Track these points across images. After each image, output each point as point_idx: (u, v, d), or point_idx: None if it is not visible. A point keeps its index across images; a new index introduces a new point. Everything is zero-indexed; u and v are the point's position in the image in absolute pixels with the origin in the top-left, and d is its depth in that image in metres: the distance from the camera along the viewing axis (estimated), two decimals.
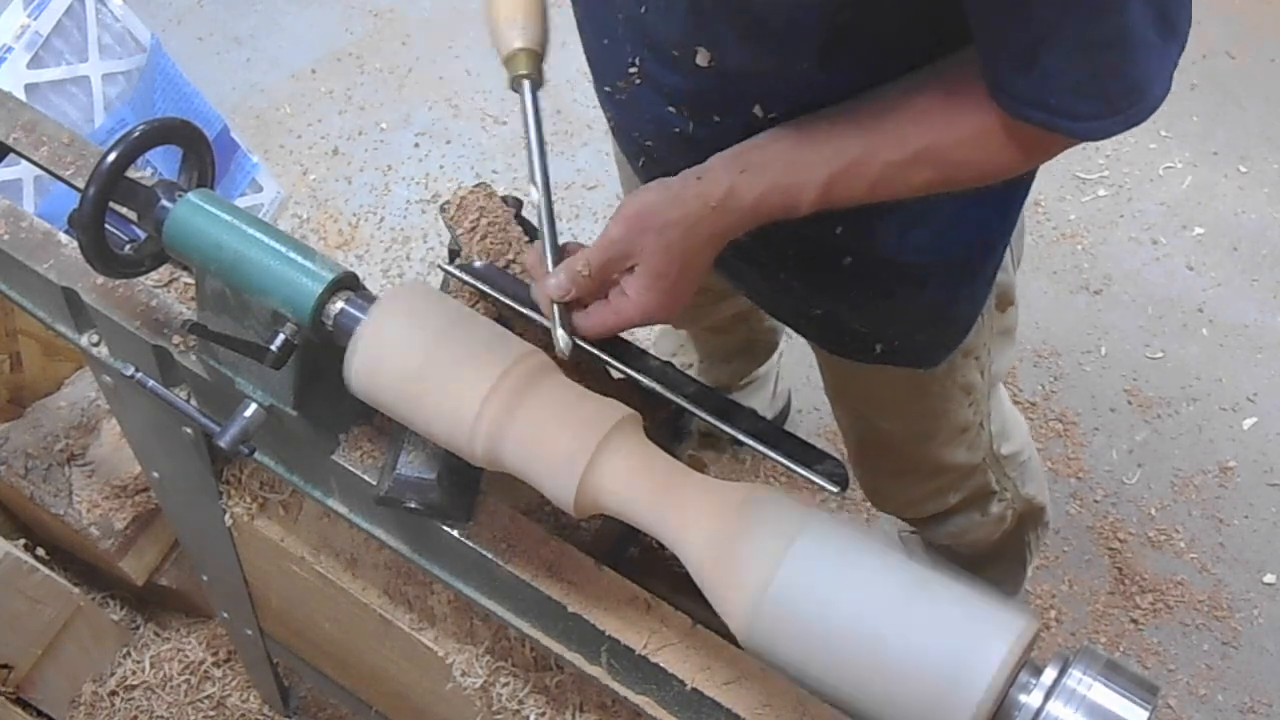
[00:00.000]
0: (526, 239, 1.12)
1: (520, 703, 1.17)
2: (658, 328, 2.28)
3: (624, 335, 1.08)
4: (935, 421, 1.46)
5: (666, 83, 1.06)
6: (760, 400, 2.17)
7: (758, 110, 1.02)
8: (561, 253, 1.04)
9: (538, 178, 1.05)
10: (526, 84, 1.09)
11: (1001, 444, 1.58)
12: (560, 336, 1.00)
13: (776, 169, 0.98)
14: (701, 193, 0.98)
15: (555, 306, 1.01)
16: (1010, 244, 1.27)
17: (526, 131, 1.07)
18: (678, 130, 1.09)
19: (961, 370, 1.38)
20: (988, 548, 1.76)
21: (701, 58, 1.01)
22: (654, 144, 1.15)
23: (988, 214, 1.17)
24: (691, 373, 2.08)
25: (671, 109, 1.08)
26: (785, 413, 2.30)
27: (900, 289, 1.21)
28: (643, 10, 1.02)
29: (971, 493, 1.62)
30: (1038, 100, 0.89)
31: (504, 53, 1.11)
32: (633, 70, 1.08)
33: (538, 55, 1.11)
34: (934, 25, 0.95)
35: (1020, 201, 1.21)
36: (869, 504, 2.22)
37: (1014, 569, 1.92)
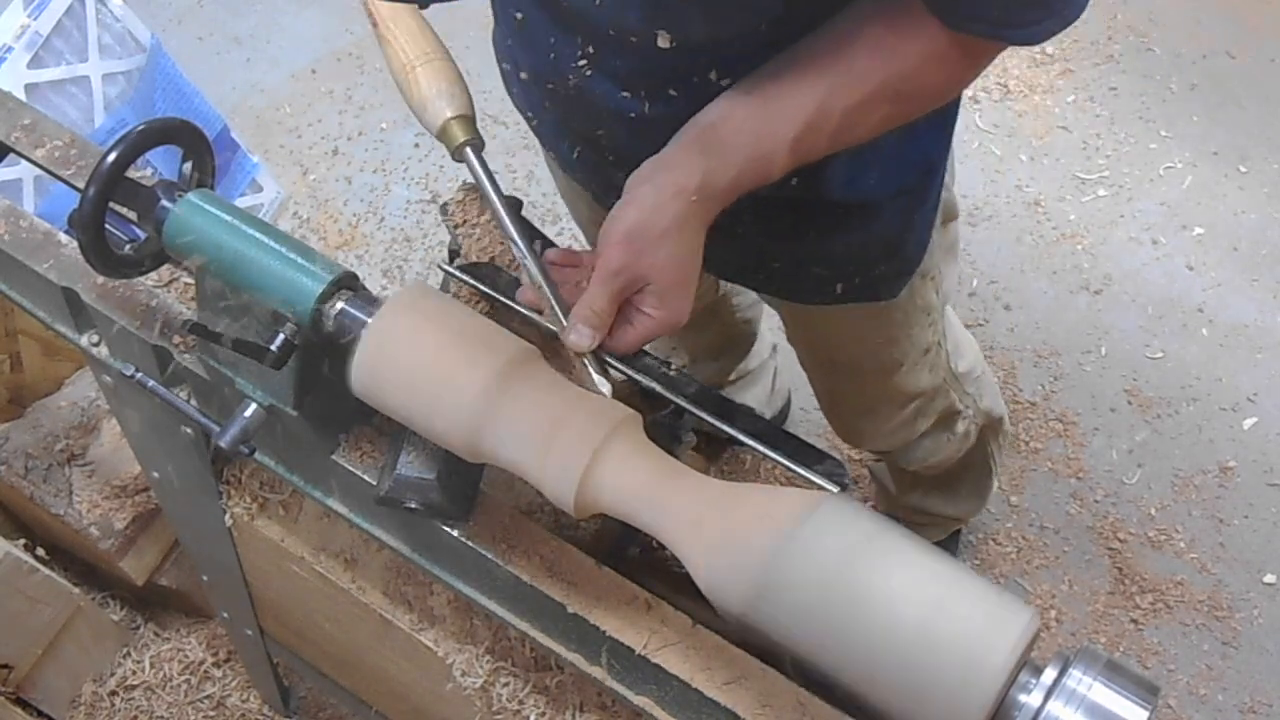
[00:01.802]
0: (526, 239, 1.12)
1: (520, 703, 1.18)
2: None
3: None
4: (901, 348, 1.48)
5: (621, 68, 1.06)
6: (756, 396, 2.17)
7: (713, 75, 1.03)
8: (545, 263, 1.03)
9: (514, 234, 1.04)
10: (469, 150, 1.07)
11: (957, 361, 1.62)
12: (601, 383, 0.97)
13: (743, 145, 0.98)
14: (679, 190, 0.97)
15: (587, 357, 0.99)
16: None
17: (484, 195, 1.05)
18: (633, 115, 1.09)
19: (920, 293, 1.41)
20: (955, 465, 1.81)
21: (663, 40, 1.00)
22: (604, 132, 1.15)
23: (929, 138, 1.19)
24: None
25: (625, 94, 1.08)
26: (785, 412, 2.30)
27: (856, 226, 1.22)
28: (596, 3, 1.01)
29: (939, 415, 1.66)
30: (977, 13, 0.92)
31: (437, 126, 1.08)
32: (582, 62, 1.07)
33: (468, 118, 1.08)
34: None
35: (954, 118, 1.23)
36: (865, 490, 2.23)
37: (982, 481, 1.97)
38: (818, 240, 1.24)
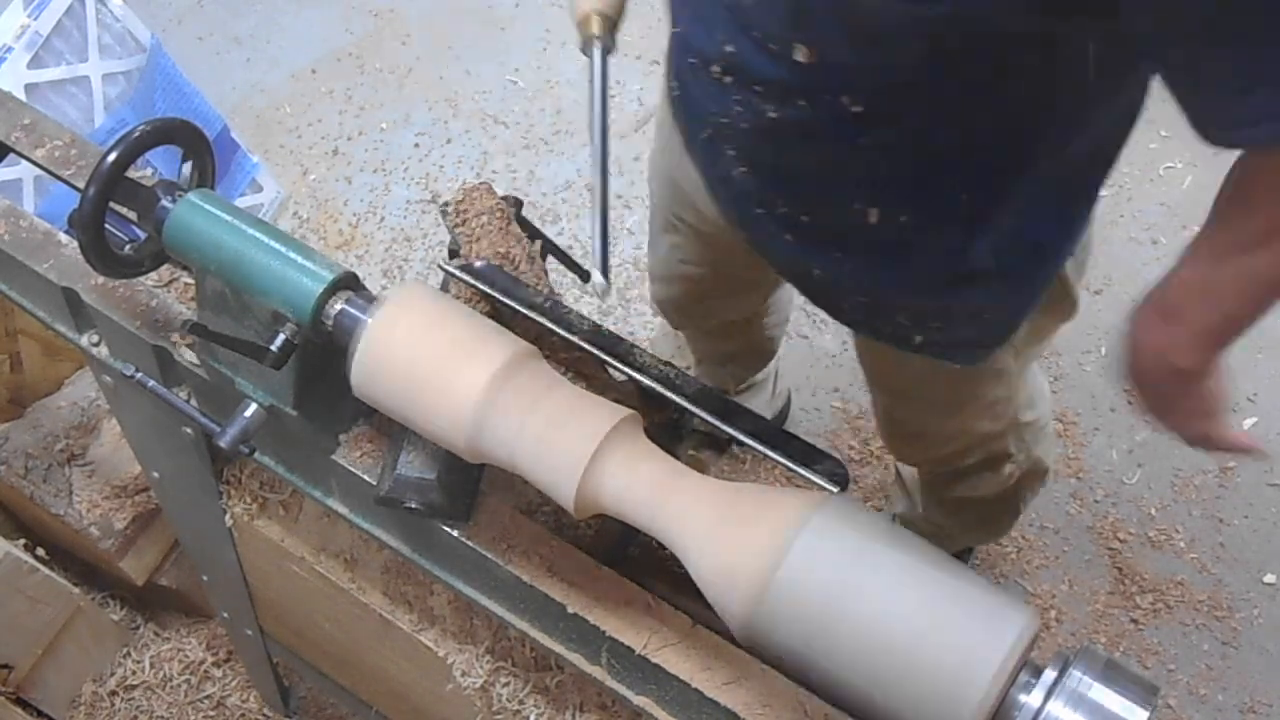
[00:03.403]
0: (527, 238, 1.12)
1: (520, 703, 1.18)
2: (655, 330, 2.28)
3: (623, 335, 1.08)
4: (963, 398, 1.48)
5: (757, 72, 1.06)
6: (759, 401, 2.17)
7: (845, 100, 1.02)
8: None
9: (596, 140, 1.05)
10: (597, 46, 1.08)
11: (1025, 411, 1.61)
12: (597, 278, 0.99)
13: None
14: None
15: (597, 241, 1.00)
16: (1074, 254, 1.28)
17: (591, 95, 1.07)
18: (760, 110, 1.09)
19: (997, 358, 1.39)
20: (985, 499, 1.80)
21: (800, 54, 1.00)
22: (728, 120, 1.14)
23: (1047, 225, 1.18)
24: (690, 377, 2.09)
25: (758, 90, 1.08)
26: (785, 412, 2.30)
27: (951, 288, 1.21)
28: (747, 1, 1.02)
29: (989, 455, 1.65)
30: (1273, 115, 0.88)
31: (578, 14, 1.10)
32: (729, 49, 1.07)
33: (611, 20, 1.10)
34: (1044, 47, 0.95)
35: (1080, 214, 1.21)
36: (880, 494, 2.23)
37: (1003, 520, 1.96)
38: (908, 288, 1.24)
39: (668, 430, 1.12)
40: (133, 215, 0.97)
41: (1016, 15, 0.91)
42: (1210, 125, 0.91)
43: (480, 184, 1.14)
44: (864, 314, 1.32)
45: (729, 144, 1.18)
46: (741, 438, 0.99)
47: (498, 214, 1.12)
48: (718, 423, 1.00)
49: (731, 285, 1.64)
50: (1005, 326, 1.30)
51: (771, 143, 1.04)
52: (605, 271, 1.00)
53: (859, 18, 0.95)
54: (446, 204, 1.12)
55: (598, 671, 1.00)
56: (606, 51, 1.08)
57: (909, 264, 1.19)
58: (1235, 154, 0.93)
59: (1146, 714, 0.75)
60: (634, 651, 0.95)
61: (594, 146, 1.05)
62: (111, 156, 0.91)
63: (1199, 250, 0.99)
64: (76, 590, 1.84)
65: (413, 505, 0.97)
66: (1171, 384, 1.04)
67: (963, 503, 1.85)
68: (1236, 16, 0.83)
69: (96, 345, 1.17)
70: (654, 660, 0.95)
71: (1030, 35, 0.94)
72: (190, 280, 1.13)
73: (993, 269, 1.19)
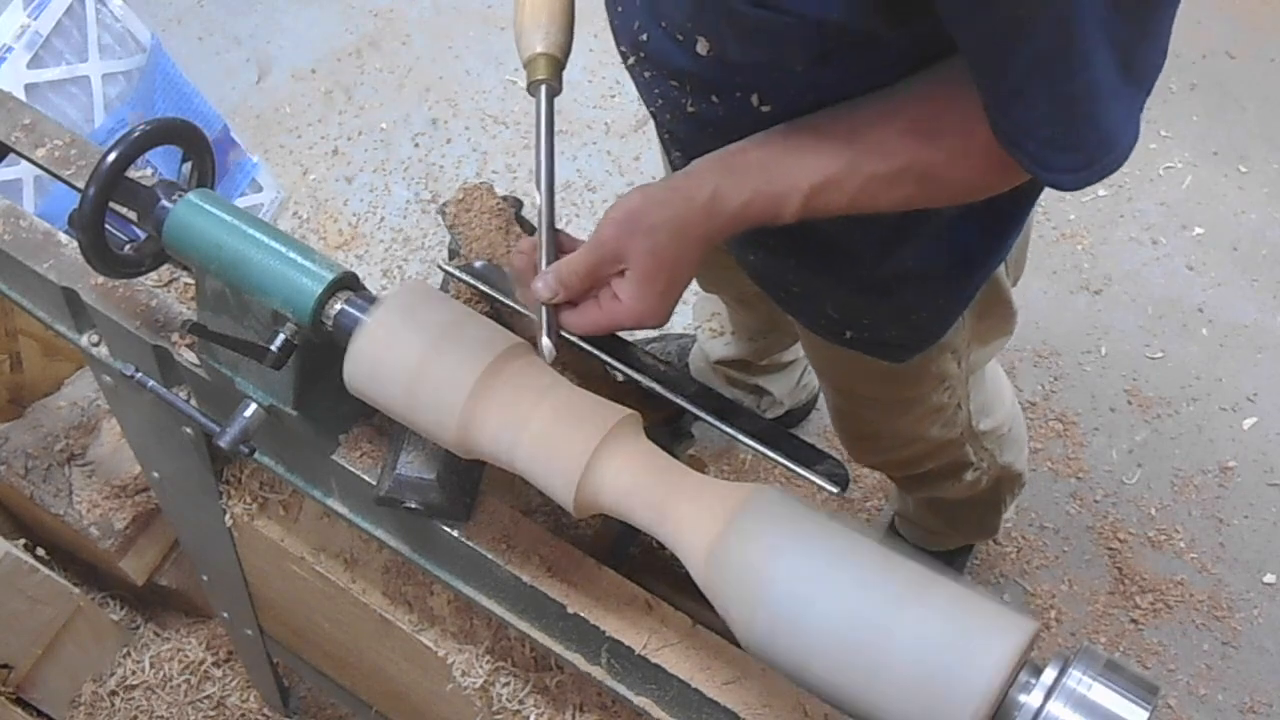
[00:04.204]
0: (527, 238, 1.12)
1: (520, 703, 1.18)
2: (696, 293, 2.28)
3: (624, 335, 1.08)
4: (906, 401, 1.48)
5: (670, 62, 1.07)
6: (782, 386, 2.17)
7: (754, 99, 1.03)
8: (557, 246, 1.04)
9: (542, 184, 1.05)
10: (543, 89, 1.09)
11: (981, 420, 1.60)
12: (545, 344, 0.99)
13: (761, 175, 0.99)
14: (688, 195, 0.99)
15: (543, 310, 1.00)
16: (1006, 259, 1.28)
17: (537, 136, 1.07)
18: (680, 104, 1.11)
19: (936, 362, 1.39)
20: (962, 500, 1.80)
21: (702, 46, 1.02)
22: (656, 112, 1.17)
23: (972, 231, 1.19)
24: (721, 342, 2.09)
25: (674, 84, 1.09)
26: (809, 407, 2.30)
27: (875, 290, 1.22)
28: None
29: (948, 462, 1.65)
30: (1017, 143, 0.92)
31: (524, 56, 1.11)
32: (643, 38, 1.09)
33: (558, 62, 1.10)
34: (926, 48, 0.96)
35: (1010, 221, 1.21)
36: (870, 504, 2.23)
37: (987, 519, 1.96)
38: (835, 285, 1.25)
39: (668, 430, 1.12)
40: (133, 215, 0.97)
41: (865, 18, 0.91)
42: (996, 124, 0.92)
43: (480, 184, 1.14)
44: (797, 302, 1.33)
45: (664, 129, 1.21)
46: (741, 438, 0.99)
47: (498, 214, 1.12)
48: (718, 423, 1.00)
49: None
50: (933, 329, 1.30)
51: (696, 135, 1.06)
52: (555, 337, 1.00)
53: (734, 18, 0.96)
54: (446, 204, 1.12)
55: (597, 671, 1.00)
56: (553, 94, 1.09)
57: (833, 263, 1.20)
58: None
59: (1146, 714, 0.75)
60: (634, 651, 0.95)
61: (541, 194, 1.04)
62: (111, 156, 0.91)
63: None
64: (76, 590, 1.84)
65: (412, 505, 0.97)
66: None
67: (940, 504, 1.85)
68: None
69: (96, 345, 1.17)
70: (654, 660, 0.95)
71: (898, 38, 0.94)
72: (190, 280, 1.13)
73: (917, 272, 1.19)
